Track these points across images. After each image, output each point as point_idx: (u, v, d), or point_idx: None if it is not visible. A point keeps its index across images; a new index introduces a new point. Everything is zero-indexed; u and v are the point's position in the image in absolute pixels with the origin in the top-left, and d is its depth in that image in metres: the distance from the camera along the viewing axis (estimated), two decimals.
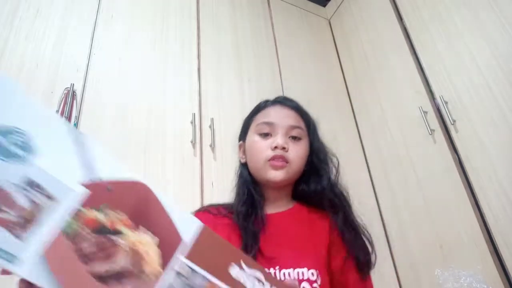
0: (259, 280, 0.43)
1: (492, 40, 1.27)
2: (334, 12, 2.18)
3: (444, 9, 1.48)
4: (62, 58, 1.26)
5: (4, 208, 0.36)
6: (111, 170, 0.43)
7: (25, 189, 0.38)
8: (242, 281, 0.42)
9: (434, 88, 1.45)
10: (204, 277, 0.41)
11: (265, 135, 0.79)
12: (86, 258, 0.38)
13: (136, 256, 0.41)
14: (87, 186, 0.41)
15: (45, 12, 1.32)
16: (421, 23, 1.58)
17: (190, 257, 0.41)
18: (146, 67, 1.41)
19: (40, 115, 0.42)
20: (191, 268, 0.41)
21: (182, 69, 1.48)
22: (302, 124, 0.82)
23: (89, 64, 1.30)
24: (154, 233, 0.42)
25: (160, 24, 1.54)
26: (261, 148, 0.78)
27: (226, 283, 0.41)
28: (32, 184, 0.38)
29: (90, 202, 0.40)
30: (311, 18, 2.14)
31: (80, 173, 0.41)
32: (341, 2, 2.13)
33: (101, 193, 0.41)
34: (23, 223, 0.37)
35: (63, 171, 0.40)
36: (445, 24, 1.46)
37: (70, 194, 0.40)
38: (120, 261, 0.39)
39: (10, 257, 0.35)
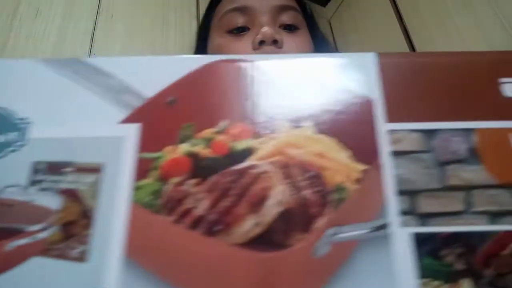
0: None
1: (492, 40, 1.27)
2: (334, 12, 2.18)
3: (444, 9, 1.48)
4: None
5: (23, 226, 0.22)
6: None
7: (35, 182, 0.23)
8: None
9: None
10: None
11: (239, 31, 0.50)
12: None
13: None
14: (133, 117, 0.25)
15: (45, 12, 1.31)
16: (421, 23, 1.58)
17: None
18: None
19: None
20: None
21: None
22: (295, 4, 0.55)
23: None
24: None
25: (160, 24, 1.54)
26: (237, 50, 0.48)
27: None
28: (47, 168, 0.24)
29: (150, 139, 0.25)
30: None
31: (113, 110, 0.26)
32: (341, 2, 2.13)
33: (163, 114, 0.26)
34: (64, 232, 0.22)
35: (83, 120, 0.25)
36: (445, 24, 1.46)
37: (115, 147, 0.24)
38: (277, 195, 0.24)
39: None
